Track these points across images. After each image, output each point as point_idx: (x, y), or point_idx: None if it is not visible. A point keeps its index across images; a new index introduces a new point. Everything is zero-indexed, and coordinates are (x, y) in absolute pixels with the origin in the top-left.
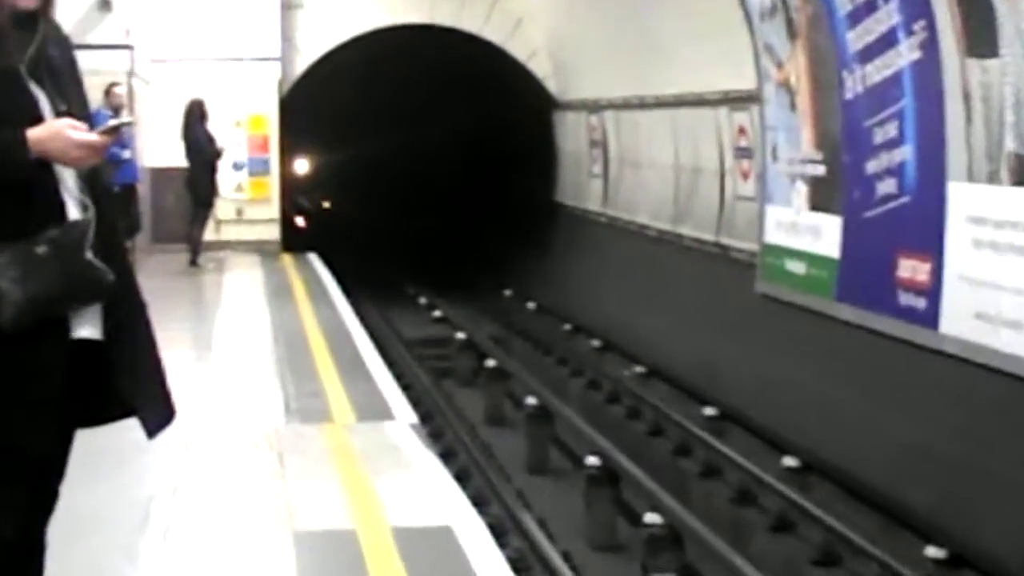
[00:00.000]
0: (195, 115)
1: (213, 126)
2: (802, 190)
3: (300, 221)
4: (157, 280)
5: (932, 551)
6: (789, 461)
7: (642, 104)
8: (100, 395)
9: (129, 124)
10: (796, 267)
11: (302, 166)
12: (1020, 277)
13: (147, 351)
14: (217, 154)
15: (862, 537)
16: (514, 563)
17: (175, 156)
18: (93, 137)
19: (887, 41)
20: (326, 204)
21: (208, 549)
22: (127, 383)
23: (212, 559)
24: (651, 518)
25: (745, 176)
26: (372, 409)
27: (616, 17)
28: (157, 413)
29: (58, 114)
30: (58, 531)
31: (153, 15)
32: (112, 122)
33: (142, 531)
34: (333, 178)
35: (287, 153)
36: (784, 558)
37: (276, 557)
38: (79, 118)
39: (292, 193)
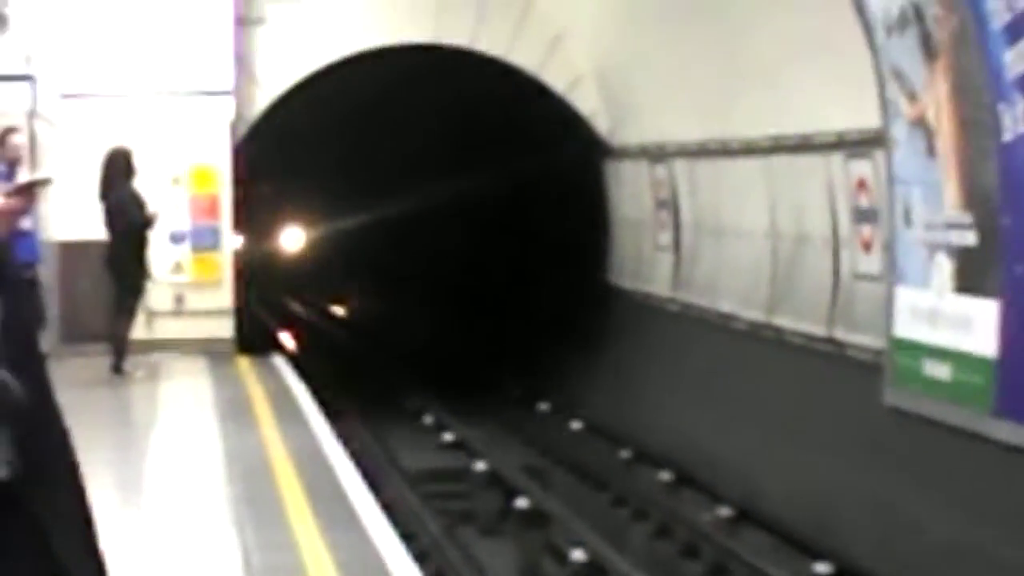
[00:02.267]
0: (119, 169)
1: (143, 184)
2: (945, 265)
3: (287, 340)
4: (70, 393)
5: None
6: None
7: (726, 150)
8: (8, 551)
9: (47, 183)
10: (939, 370)
11: (292, 241)
12: None
13: (70, 493)
14: (148, 222)
15: None
16: None
17: (91, 226)
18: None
19: None
20: (338, 308)
21: None
22: (53, 536)
23: None
24: None
25: (867, 247)
26: (363, 568)
27: (690, 32)
28: (84, 573)
29: None
30: None
31: (63, 37)
32: (24, 180)
33: None
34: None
35: (252, 220)
36: None
37: None
38: None
39: (275, 289)
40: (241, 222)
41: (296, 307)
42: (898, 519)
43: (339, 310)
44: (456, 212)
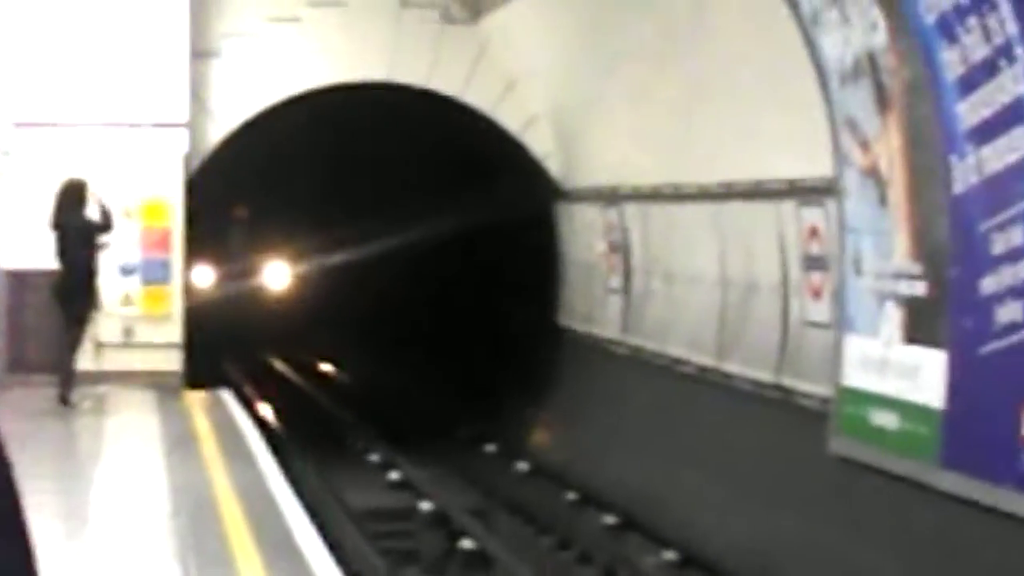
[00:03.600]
0: (72, 200)
1: (94, 214)
2: (895, 315)
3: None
4: (15, 424)
5: None
6: None
7: (677, 194)
8: None
9: None
10: (886, 420)
11: (277, 278)
12: None
13: (10, 526)
14: (96, 251)
15: None
16: None
17: (40, 255)
18: None
19: (1012, 116)
20: (326, 366)
21: None
22: None
23: None
24: None
25: (817, 294)
26: None
27: (643, 77)
28: None
29: None
30: None
31: (16, 65)
32: None
33: None
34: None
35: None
36: None
37: None
38: None
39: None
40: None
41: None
42: (842, 568)
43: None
44: (402, 255)
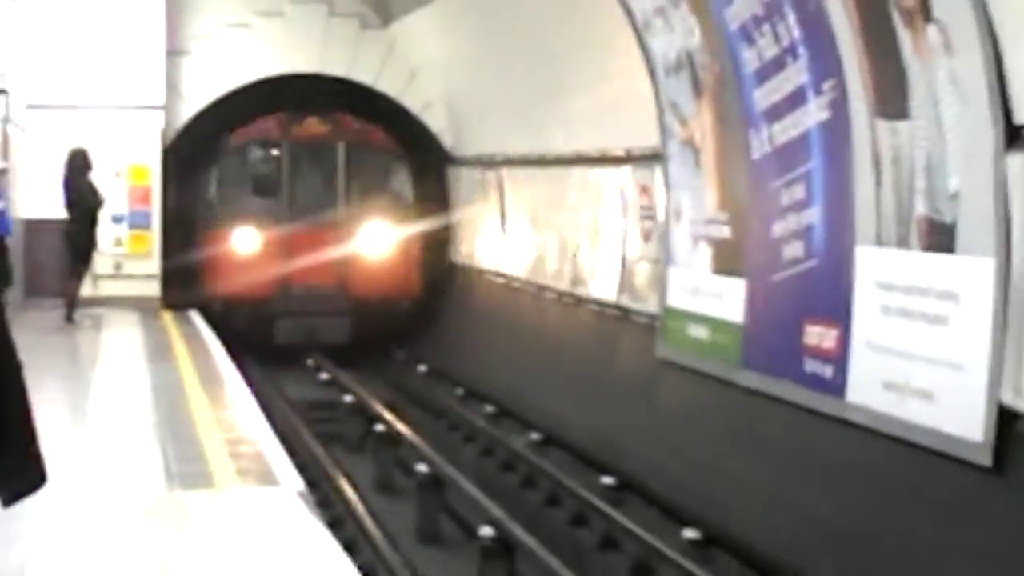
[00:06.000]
0: (78, 165)
1: (96, 176)
2: (706, 252)
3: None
4: (30, 337)
5: None
6: (690, 533)
7: (541, 160)
8: None
9: (3, 172)
10: (700, 332)
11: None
12: (930, 346)
13: (17, 413)
14: (99, 205)
15: None
16: None
17: (52, 207)
18: None
19: (795, 100)
20: None
21: None
22: None
23: None
24: None
25: (647, 237)
26: (256, 475)
27: (515, 72)
28: (23, 480)
29: None
30: None
31: (30, 58)
32: None
33: None
34: None
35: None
36: None
37: None
38: None
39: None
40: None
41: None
42: (666, 444)
43: None
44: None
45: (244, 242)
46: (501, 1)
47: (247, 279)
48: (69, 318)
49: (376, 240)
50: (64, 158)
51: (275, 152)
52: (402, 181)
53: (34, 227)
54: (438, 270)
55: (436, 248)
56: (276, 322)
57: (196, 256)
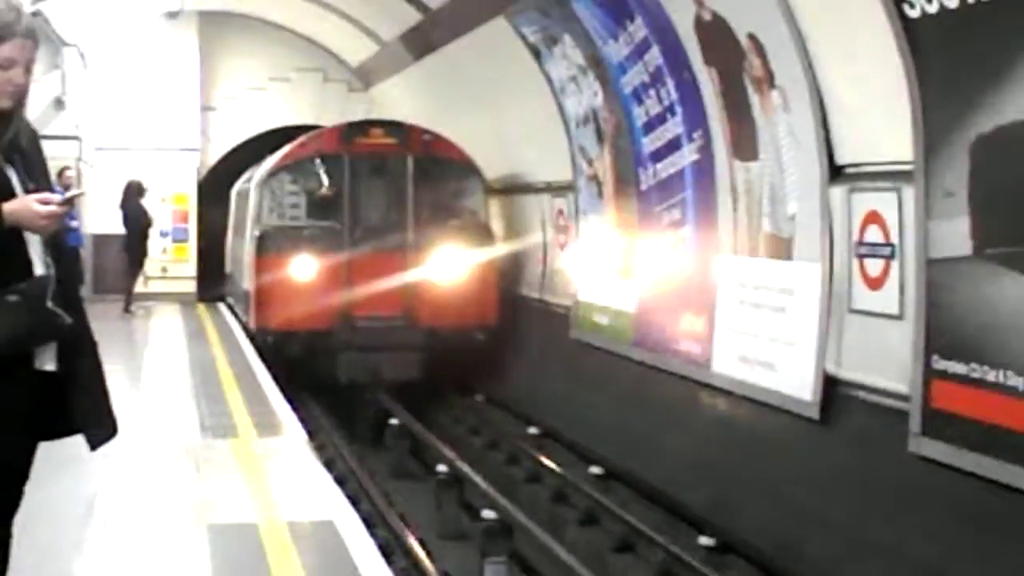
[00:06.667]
0: (133, 192)
1: (147, 202)
2: (606, 259)
3: None
4: (97, 323)
5: (704, 540)
6: (595, 469)
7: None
8: (57, 415)
9: (80, 195)
10: (602, 319)
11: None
12: (772, 329)
13: (96, 380)
14: (149, 224)
15: (651, 529)
16: (383, 550)
17: (113, 225)
18: (54, 208)
19: (673, 146)
20: None
21: (141, 538)
22: (79, 406)
23: (144, 547)
24: (487, 514)
25: (562, 248)
26: (269, 427)
27: (466, 122)
28: (102, 430)
29: (27, 191)
30: (21, 523)
31: (97, 113)
32: (68, 194)
33: (86, 524)
34: None
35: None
36: (590, 545)
37: (193, 545)
38: (43, 192)
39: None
40: None
41: None
42: (576, 406)
43: None
44: None
45: (300, 269)
46: (450, 70)
47: (304, 310)
48: (127, 309)
49: (449, 264)
50: (122, 188)
51: (334, 168)
52: (476, 198)
53: (100, 240)
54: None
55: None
56: (338, 357)
57: (244, 285)
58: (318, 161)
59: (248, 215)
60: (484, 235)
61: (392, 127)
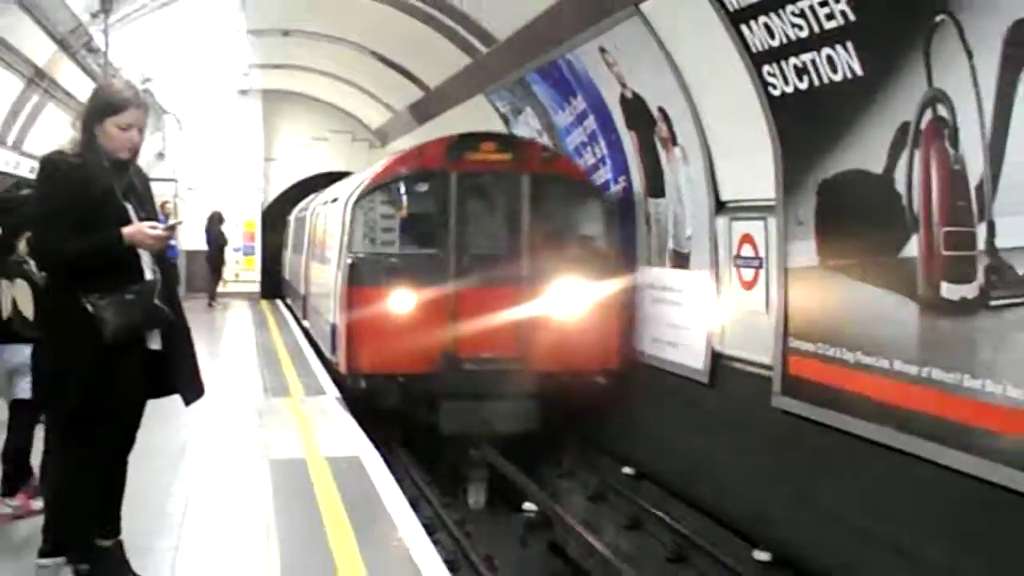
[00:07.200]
0: (215, 220)
1: (226, 226)
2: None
3: None
4: (189, 315)
5: (627, 470)
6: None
7: None
8: (161, 380)
9: (180, 223)
10: None
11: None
12: (675, 318)
13: (189, 355)
14: (226, 243)
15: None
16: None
17: (199, 243)
18: (160, 232)
19: (604, 187)
20: None
21: (220, 469)
22: (177, 374)
23: (222, 475)
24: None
25: None
26: (314, 389)
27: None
28: (194, 392)
29: (140, 219)
30: (134, 458)
31: (188, 162)
32: (170, 222)
33: (181, 458)
34: None
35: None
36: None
37: (258, 474)
38: (151, 220)
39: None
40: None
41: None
42: None
43: None
44: None
45: (398, 303)
46: (445, 131)
47: (400, 350)
48: (210, 304)
49: (569, 298)
50: (207, 217)
51: (438, 187)
52: (599, 223)
53: (191, 255)
54: None
55: None
56: (441, 406)
57: (329, 318)
58: (420, 179)
59: (332, 239)
60: (609, 265)
61: (506, 141)
